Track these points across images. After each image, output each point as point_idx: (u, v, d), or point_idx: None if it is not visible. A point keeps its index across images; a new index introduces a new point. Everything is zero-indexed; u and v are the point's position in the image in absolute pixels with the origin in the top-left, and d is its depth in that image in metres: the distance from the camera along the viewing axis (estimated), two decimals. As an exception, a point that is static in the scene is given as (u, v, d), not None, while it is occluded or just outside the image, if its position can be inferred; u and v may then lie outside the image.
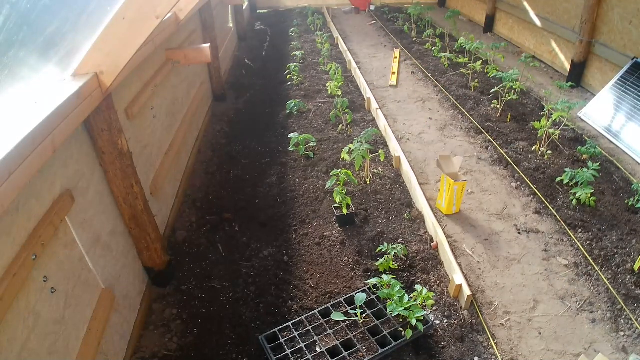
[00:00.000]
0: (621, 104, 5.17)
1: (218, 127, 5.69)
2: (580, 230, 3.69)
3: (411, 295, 2.89)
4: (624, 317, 2.96)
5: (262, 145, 5.21)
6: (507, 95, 5.53)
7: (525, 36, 7.82)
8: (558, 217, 3.83)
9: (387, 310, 2.79)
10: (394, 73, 7.11)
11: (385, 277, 2.97)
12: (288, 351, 2.65)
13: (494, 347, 2.81)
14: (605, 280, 3.22)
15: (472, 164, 4.71)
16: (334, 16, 10.88)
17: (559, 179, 4.22)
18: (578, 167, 4.18)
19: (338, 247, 3.58)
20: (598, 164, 4.13)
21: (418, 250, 3.53)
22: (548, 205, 3.98)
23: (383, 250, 3.33)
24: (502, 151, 4.79)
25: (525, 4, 7.63)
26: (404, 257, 3.42)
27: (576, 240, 3.59)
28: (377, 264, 3.31)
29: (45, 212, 1.98)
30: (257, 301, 3.13)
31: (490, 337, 2.88)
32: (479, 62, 6.30)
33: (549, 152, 4.69)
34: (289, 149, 4.78)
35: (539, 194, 4.12)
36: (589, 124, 5.35)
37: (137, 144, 3.20)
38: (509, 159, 4.64)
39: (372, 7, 11.16)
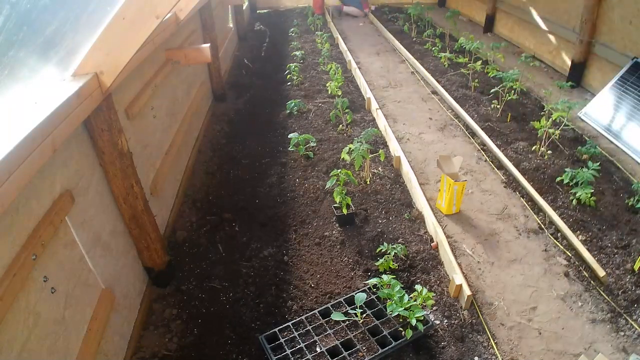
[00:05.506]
0: (621, 104, 5.17)
1: (218, 127, 5.69)
2: (580, 230, 3.68)
3: (411, 295, 2.89)
4: (624, 317, 2.96)
5: (262, 145, 5.21)
6: (507, 95, 5.52)
7: (525, 36, 7.82)
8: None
9: (387, 310, 2.79)
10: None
11: (385, 277, 2.97)
12: (288, 351, 2.65)
13: (494, 347, 2.81)
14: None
15: (472, 164, 4.71)
16: (334, 16, 10.88)
17: (559, 178, 4.21)
18: (578, 167, 4.17)
19: (338, 247, 3.58)
20: (598, 164, 4.13)
21: (418, 250, 3.53)
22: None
23: (383, 250, 3.33)
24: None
25: (526, 4, 7.63)
26: (404, 257, 3.42)
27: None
28: (377, 264, 3.31)
29: (45, 212, 1.98)
30: (257, 301, 3.13)
31: (490, 337, 2.88)
32: (479, 62, 6.29)
33: (549, 152, 4.68)
34: (289, 149, 4.78)
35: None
36: (589, 123, 5.35)
37: (137, 144, 3.20)
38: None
39: (373, 8, 11.16)
